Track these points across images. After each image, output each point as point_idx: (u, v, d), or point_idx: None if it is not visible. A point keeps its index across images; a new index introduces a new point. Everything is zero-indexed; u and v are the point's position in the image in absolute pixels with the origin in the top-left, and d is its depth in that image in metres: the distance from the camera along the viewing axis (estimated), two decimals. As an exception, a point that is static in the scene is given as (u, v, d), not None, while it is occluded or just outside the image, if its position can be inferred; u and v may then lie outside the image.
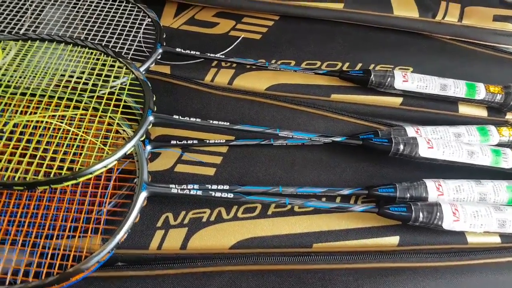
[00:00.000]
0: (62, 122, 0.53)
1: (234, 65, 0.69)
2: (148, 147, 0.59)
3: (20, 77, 0.58)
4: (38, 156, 0.49)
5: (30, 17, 0.70)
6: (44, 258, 0.47)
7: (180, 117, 0.57)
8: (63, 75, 0.58)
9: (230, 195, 0.53)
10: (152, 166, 0.59)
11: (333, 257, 0.53)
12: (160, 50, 0.67)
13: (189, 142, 0.60)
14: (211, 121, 0.58)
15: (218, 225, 0.55)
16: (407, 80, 0.66)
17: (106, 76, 0.58)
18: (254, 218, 0.56)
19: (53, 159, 0.49)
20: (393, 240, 0.56)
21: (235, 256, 0.52)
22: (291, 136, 0.58)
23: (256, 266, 0.52)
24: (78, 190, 0.52)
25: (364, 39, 0.74)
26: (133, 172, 0.54)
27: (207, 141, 0.61)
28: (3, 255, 0.47)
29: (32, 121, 0.53)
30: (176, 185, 0.54)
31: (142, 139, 0.54)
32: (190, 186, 0.54)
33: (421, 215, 0.54)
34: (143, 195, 0.51)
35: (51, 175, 0.47)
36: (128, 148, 0.50)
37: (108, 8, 0.73)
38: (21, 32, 0.67)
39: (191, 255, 0.53)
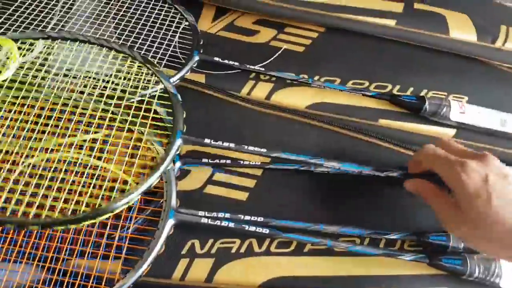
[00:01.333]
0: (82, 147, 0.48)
1: (274, 78, 0.64)
2: (178, 164, 0.54)
3: (39, 78, 0.52)
4: (54, 188, 0.43)
5: (60, 12, 0.65)
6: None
7: (212, 141, 0.52)
8: (86, 79, 0.53)
9: (266, 231, 0.48)
10: (180, 185, 0.53)
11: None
12: (197, 58, 0.62)
13: (221, 161, 0.55)
14: (246, 147, 0.52)
15: (248, 259, 0.50)
16: (465, 112, 0.60)
17: (134, 84, 0.53)
18: (289, 254, 0.51)
19: (70, 191, 0.44)
20: (441, 292, 0.50)
21: (265, 297, 0.47)
22: (338, 168, 0.52)
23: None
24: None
25: (416, 60, 0.68)
26: (158, 193, 0.49)
27: (241, 162, 0.55)
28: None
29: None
30: (206, 213, 0.49)
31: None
32: (221, 215, 0.49)
33: (477, 270, 0.48)
34: (170, 222, 0.46)
35: (69, 213, 0.41)
36: (154, 179, 0.44)
37: (143, 7, 0.68)
38: (49, 28, 0.63)
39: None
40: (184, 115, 0.51)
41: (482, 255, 0.49)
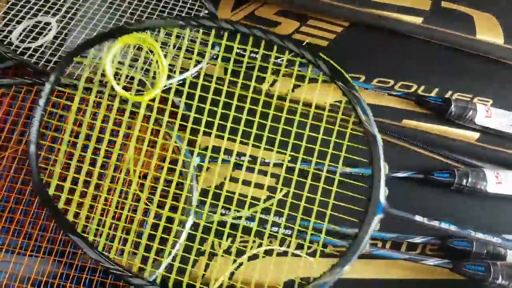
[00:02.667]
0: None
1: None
2: (197, 159, 0.52)
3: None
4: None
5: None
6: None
7: (425, 220, 0.46)
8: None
9: (288, 232, 0.47)
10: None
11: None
12: (217, 49, 0.60)
13: (241, 158, 0.53)
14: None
15: (271, 258, 0.49)
16: (490, 116, 0.59)
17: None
18: (309, 255, 0.50)
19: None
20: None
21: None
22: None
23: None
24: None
25: (442, 60, 0.67)
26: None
27: (263, 160, 0.54)
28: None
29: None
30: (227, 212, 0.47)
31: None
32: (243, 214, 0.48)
33: (500, 278, 0.48)
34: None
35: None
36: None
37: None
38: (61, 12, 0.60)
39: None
40: (387, 171, 0.48)
41: (505, 262, 0.49)
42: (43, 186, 0.44)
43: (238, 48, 0.49)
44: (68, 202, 0.44)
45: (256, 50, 0.49)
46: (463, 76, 0.66)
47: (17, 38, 0.57)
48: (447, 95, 0.63)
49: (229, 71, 0.49)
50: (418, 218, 0.45)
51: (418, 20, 0.67)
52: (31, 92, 0.53)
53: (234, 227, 0.46)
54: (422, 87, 0.63)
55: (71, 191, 0.45)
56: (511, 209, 0.56)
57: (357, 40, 0.67)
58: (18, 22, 0.58)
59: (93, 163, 0.45)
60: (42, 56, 0.56)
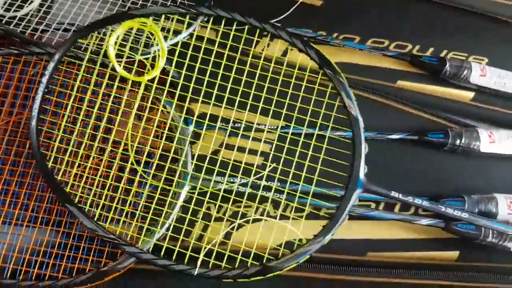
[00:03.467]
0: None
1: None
2: (191, 128, 0.52)
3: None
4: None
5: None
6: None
7: (400, 195, 0.47)
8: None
9: (281, 196, 0.47)
10: (194, 149, 0.52)
11: (387, 270, 0.49)
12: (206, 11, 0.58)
13: (236, 125, 0.53)
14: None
15: (265, 223, 0.50)
16: (485, 74, 0.58)
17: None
18: (304, 218, 0.51)
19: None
20: (452, 255, 0.51)
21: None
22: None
23: (304, 273, 0.48)
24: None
25: (437, 19, 0.65)
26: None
27: (257, 125, 0.54)
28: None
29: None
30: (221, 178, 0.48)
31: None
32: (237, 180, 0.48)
33: (490, 235, 0.49)
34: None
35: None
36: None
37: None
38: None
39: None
40: (367, 150, 0.48)
41: (496, 219, 0.50)
42: (44, 159, 0.46)
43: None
44: (65, 174, 0.45)
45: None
46: (458, 35, 0.64)
47: (2, 7, 0.55)
48: (442, 54, 0.62)
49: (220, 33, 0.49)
50: (393, 194, 0.47)
51: (414, -23, 0.65)
52: (19, 63, 0.52)
53: (227, 193, 0.47)
54: (417, 47, 0.62)
55: (70, 164, 0.46)
56: (503, 168, 0.57)
57: (352, -1, 0.66)
58: (2, -10, 0.57)
59: (92, 137, 0.47)
60: (28, 25, 0.54)
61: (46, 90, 0.47)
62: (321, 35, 0.60)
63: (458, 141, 0.55)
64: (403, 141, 0.56)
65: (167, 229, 0.46)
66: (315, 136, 0.48)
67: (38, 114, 0.46)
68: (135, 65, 0.49)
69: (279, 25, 0.50)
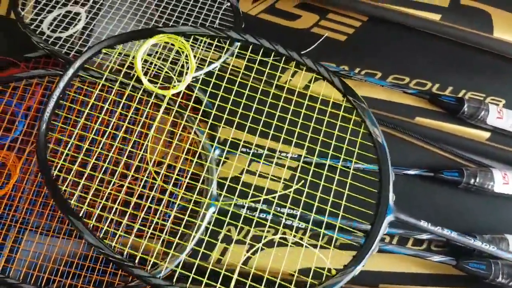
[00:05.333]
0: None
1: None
2: (217, 152, 0.55)
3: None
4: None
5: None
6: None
7: (429, 225, 0.48)
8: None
9: (301, 224, 0.50)
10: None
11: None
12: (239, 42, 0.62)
13: (259, 151, 0.56)
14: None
15: (283, 248, 0.52)
16: (502, 117, 0.60)
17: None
18: (321, 247, 0.53)
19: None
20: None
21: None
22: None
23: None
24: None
25: (457, 58, 0.67)
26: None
27: (279, 153, 0.56)
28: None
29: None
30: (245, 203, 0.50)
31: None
32: (258, 205, 0.51)
33: (500, 276, 0.50)
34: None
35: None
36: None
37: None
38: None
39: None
40: (393, 178, 0.48)
41: (506, 261, 0.51)
42: (48, 165, 0.44)
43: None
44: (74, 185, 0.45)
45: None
46: (477, 75, 0.67)
47: (48, 28, 0.59)
48: (461, 94, 0.64)
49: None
50: (422, 223, 0.48)
51: (436, 17, 0.68)
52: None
53: (248, 220, 0.49)
54: (437, 85, 0.65)
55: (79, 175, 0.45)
56: (516, 208, 0.58)
57: (375, 36, 0.69)
58: (49, 12, 0.61)
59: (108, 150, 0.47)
60: (72, 47, 0.58)
61: (61, 96, 0.47)
62: (343, 69, 0.63)
63: (472, 181, 0.57)
64: (419, 177, 0.58)
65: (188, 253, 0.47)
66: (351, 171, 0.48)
67: (49, 118, 0.46)
68: (160, 79, 0.50)
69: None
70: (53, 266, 0.48)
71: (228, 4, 0.66)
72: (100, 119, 0.47)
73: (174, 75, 0.52)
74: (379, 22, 0.69)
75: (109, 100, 0.48)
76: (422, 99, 0.63)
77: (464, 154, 0.61)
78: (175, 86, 0.49)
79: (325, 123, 0.50)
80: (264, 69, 0.52)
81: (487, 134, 0.62)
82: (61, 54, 0.56)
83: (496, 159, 0.63)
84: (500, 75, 0.67)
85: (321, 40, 0.67)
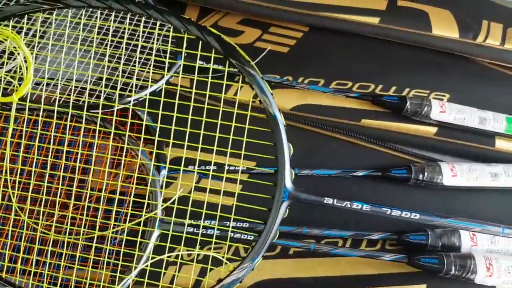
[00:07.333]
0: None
1: (258, 80, 0.64)
2: (163, 172, 0.55)
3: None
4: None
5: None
6: None
7: (335, 201, 0.45)
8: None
9: (250, 237, 0.49)
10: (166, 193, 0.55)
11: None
12: (181, 62, 0.62)
13: (207, 167, 0.56)
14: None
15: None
16: (445, 111, 0.61)
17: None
18: (274, 257, 0.53)
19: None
20: (420, 288, 0.53)
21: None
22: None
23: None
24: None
25: (399, 59, 0.69)
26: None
27: (228, 167, 0.56)
28: None
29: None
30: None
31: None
32: (207, 223, 0.50)
33: (453, 268, 0.50)
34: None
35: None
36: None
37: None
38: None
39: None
40: (292, 151, 0.44)
41: (458, 253, 0.51)
42: None
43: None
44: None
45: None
46: (420, 73, 0.68)
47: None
48: (404, 93, 0.66)
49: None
50: (327, 200, 0.45)
51: (375, 20, 0.69)
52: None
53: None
54: (380, 86, 0.66)
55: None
56: (466, 200, 0.59)
57: (316, 44, 0.70)
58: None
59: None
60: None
61: None
62: (286, 80, 0.63)
63: (421, 176, 0.57)
64: (367, 178, 0.58)
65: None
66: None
67: None
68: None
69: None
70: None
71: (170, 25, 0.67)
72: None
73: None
74: (320, 31, 0.70)
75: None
76: (366, 102, 0.63)
77: (412, 151, 0.62)
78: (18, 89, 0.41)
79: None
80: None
81: (434, 129, 0.63)
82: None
83: (445, 153, 0.63)
84: (443, 71, 0.69)
85: (264, 53, 0.68)
